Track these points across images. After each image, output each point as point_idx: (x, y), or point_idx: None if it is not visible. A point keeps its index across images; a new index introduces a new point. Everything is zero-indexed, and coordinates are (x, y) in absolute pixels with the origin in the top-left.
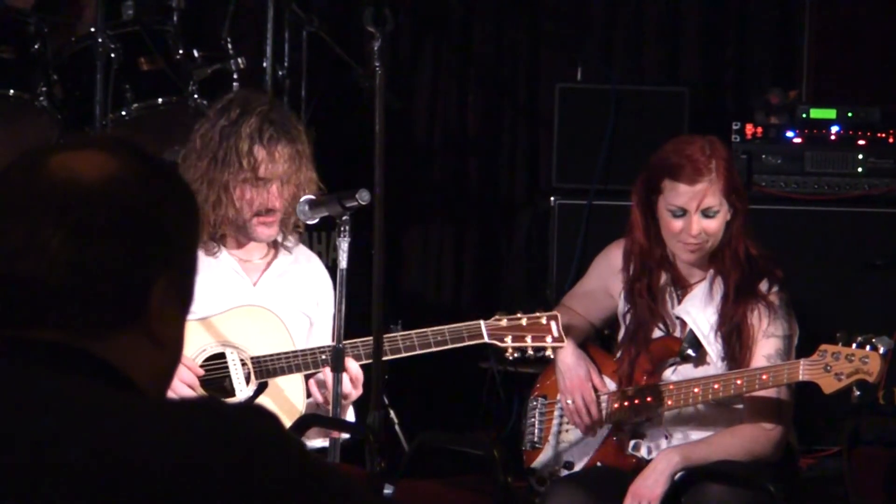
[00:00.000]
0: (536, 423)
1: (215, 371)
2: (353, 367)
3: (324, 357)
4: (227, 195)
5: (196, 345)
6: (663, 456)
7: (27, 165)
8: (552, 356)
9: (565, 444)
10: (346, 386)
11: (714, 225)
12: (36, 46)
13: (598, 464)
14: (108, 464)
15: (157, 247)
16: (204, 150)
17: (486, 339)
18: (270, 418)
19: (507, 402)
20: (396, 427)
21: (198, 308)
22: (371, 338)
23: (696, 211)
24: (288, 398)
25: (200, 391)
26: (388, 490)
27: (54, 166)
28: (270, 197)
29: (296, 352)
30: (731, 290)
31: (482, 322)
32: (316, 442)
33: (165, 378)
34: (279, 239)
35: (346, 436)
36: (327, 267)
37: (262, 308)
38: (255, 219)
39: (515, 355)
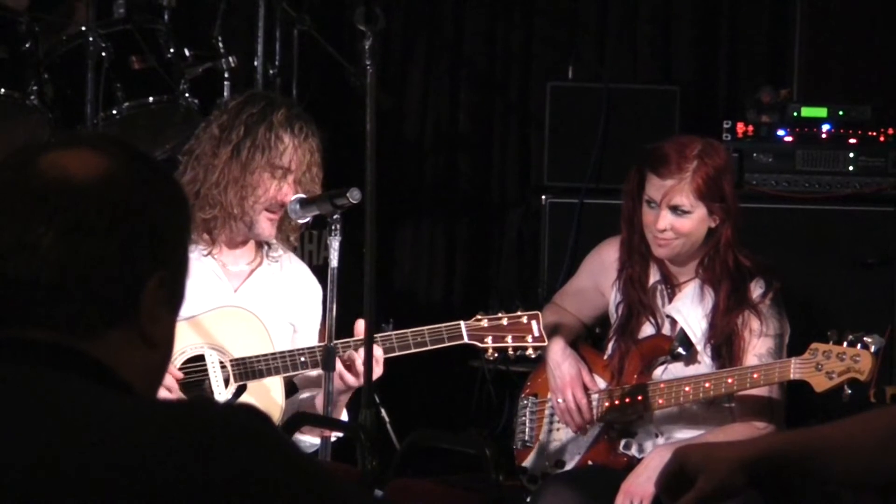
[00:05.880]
0: (528, 421)
1: (195, 374)
2: (376, 350)
3: (303, 359)
4: (241, 183)
5: (176, 346)
6: (656, 453)
7: (18, 164)
8: (533, 356)
9: (557, 443)
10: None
11: (685, 225)
12: (27, 45)
13: (590, 462)
14: (102, 465)
15: (148, 246)
16: (224, 138)
17: (465, 340)
18: (263, 418)
19: (498, 400)
20: (388, 426)
21: None
22: (359, 338)
23: (663, 205)
24: (266, 400)
25: (179, 394)
26: (376, 493)
27: (46, 165)
28: (286, 190)
29: (275, 354)
30: (721, 301)
31: (462, 323)
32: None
33: (156, 377)
34: (266, 248)
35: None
36: (319, 266)
37: (243, 309)
38: (264, 213)
39: (496, 356)
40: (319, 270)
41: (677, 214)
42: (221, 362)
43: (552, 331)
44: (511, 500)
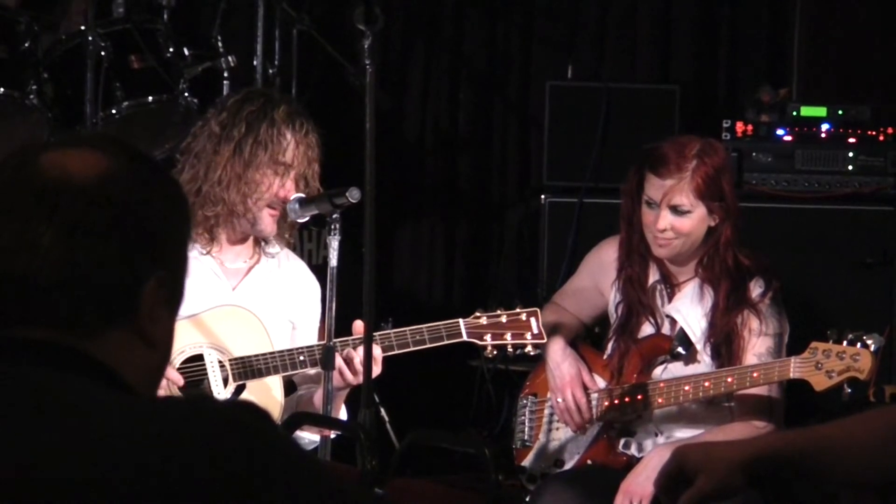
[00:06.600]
0: (527, 421)
1: (194, 373)
2: (375, 349)
3: (302, 358)
4: (245, 180)
5: (175, 346)
6: (656, 453)
7: (19, 163)
8: (532, 353)
9: (556, 443)
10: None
11: (685, 225)
12: (26, 45)
13: (589, 462)
14: (103, 464)
15: (148, 246)
16: (225, 135)
17: (464, 338)
18: (264, 416)
19: (497, 400)
20: (387, 425)
21: None
22: (358, 336)
23: (663, 205)
24: (266, 398)
25: (176, 393)
26: (377, 492)
27: (46, 164)
28: (289, 187)
29: (274, 353)
30: (721, 300)
31: (461, 320)
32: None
33: (155, 377)
34: (262, 245)
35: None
36: (318, 266)
37: (241, 308)
38: (266, 209)
39: (495, 353)
40: (319, 270)
41: (677, 214)
42: (220, 362)
43: (552, 330)
44: (511, 499)
